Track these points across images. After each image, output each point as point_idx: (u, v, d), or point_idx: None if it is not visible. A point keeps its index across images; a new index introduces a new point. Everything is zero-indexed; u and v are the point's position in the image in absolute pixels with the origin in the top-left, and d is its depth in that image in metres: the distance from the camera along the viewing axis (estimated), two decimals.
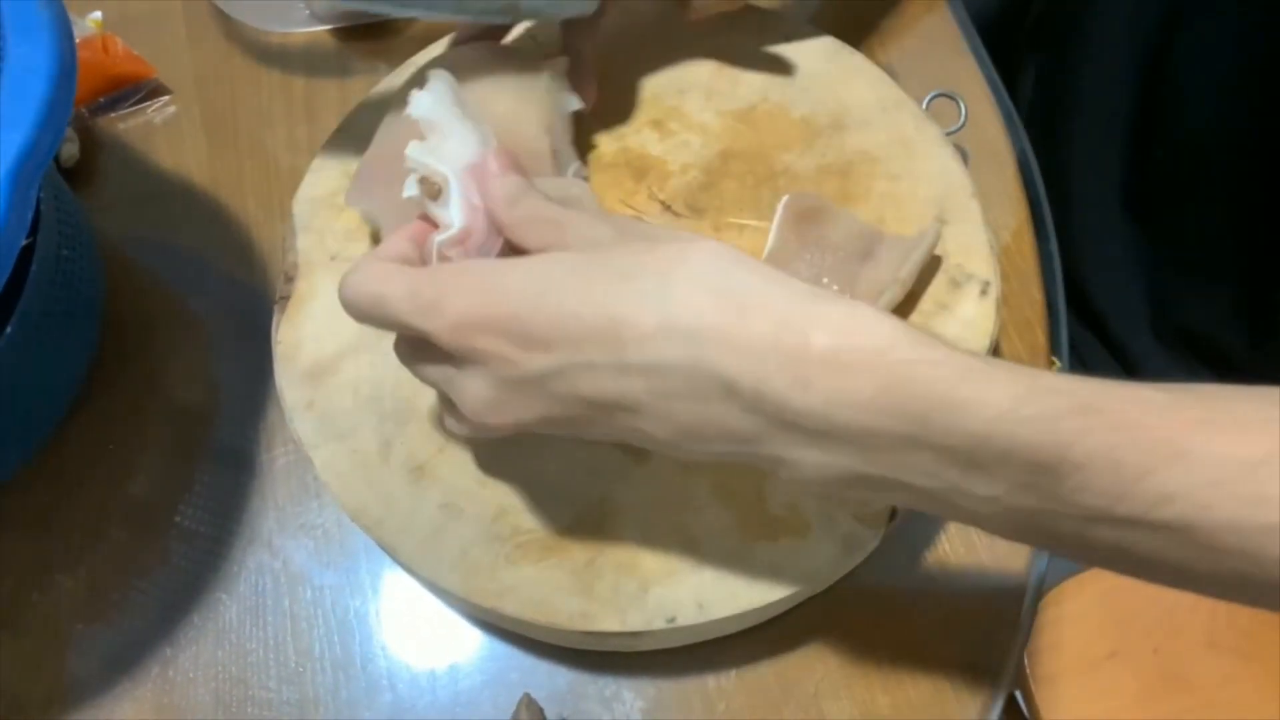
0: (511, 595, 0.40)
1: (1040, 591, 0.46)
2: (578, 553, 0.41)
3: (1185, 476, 0.26)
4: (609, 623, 0.39)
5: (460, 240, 0.37)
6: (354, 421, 0.43)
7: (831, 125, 0.49)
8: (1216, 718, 0.67)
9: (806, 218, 0.45)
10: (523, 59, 0.46)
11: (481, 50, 0.47)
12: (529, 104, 0.45)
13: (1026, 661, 0.67)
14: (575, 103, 0.47)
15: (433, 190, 0.39)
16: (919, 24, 0.56)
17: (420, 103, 0.40)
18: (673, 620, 0.39)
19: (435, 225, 0.38)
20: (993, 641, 0.45)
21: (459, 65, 0.44)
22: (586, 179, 0.48)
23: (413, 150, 0.38)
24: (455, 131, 0.39)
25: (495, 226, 0.37)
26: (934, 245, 0.44)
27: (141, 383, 0.52)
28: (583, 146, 0.49)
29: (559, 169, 0.45)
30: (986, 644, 0.44)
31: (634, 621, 0.39)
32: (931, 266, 0.45)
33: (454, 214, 0.38)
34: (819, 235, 0.44)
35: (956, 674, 0.44)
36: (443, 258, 0.37)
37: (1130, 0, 0.53)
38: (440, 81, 0.41)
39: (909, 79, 0.51)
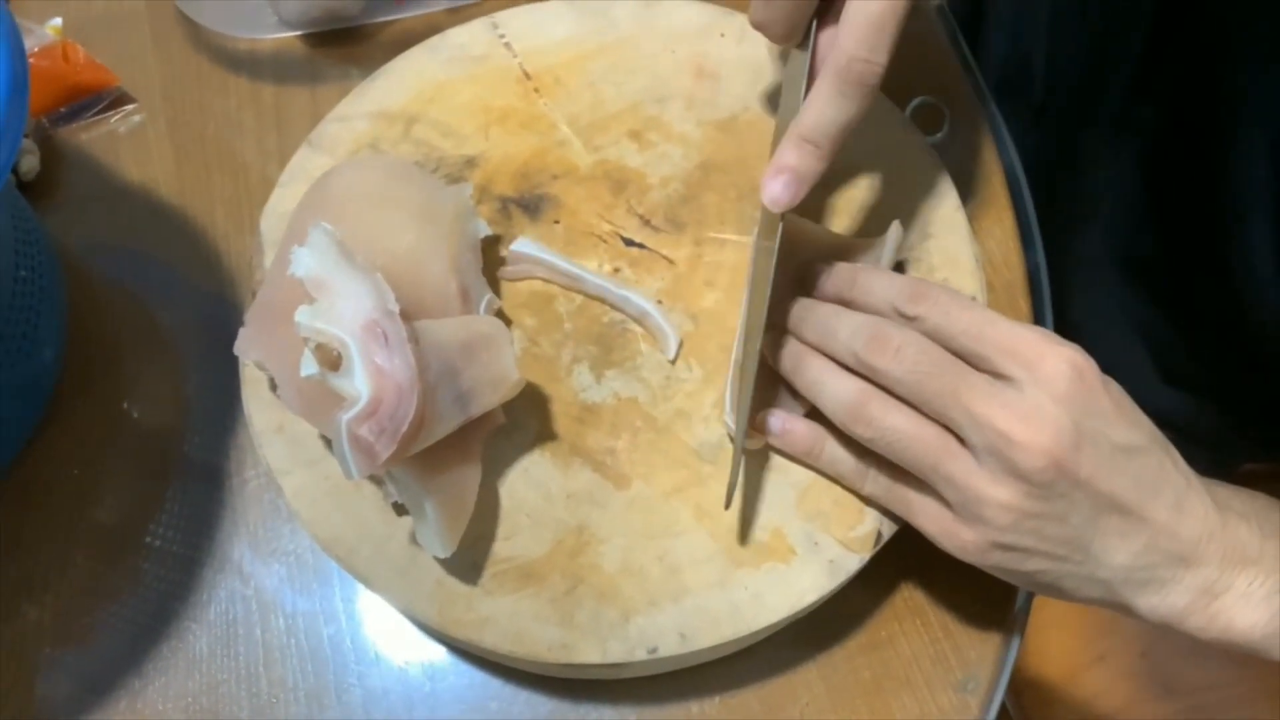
0: (489, 626, 0.39)
1: (1028, 609, 0.45)
2: (557, 581, 0.40)
3: None
4: (589, 654, 0.38)
5: (370, 413, 0.34)
6: (325, 447, 0.42)
7: None
8: None
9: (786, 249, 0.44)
10: (424, 182, 0.43)
11: (378, 172, 0.43)
12: (433, 238, 0.41)
13: (1013, 666, 0.67)
14: (484, 229, 0.44)
15: (330, 359, 0.36)
16: (903, 29, 0.55)
17: (302, 260, 0.37)
18: (654, 651, 0.38)
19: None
20: (981, 661, 0.44)
21: (352, 193, 0.42)
22: (500, 311, 0.44)
23: (302, 316, 0.35)
24: (345, 287, 0.36)
25: (409, 386, 0.35)
26: (898, 246, 0.43)
27: (108, 402, 0.50)
28: (561, 162, 0.48)
29: (469, 307, 0.42)
30: (974, 664, 0.44)
31: (615, 652, 0.38)
32: (897, 269, 0.44)
33: (358, 383, 0.35)
34: (800, 263, 0.43)
35: (944, 695, 0.43)
36: (355, 438, 0.34)
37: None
38: (321, 234, 0.37)
39: (892, 86, 0.49)
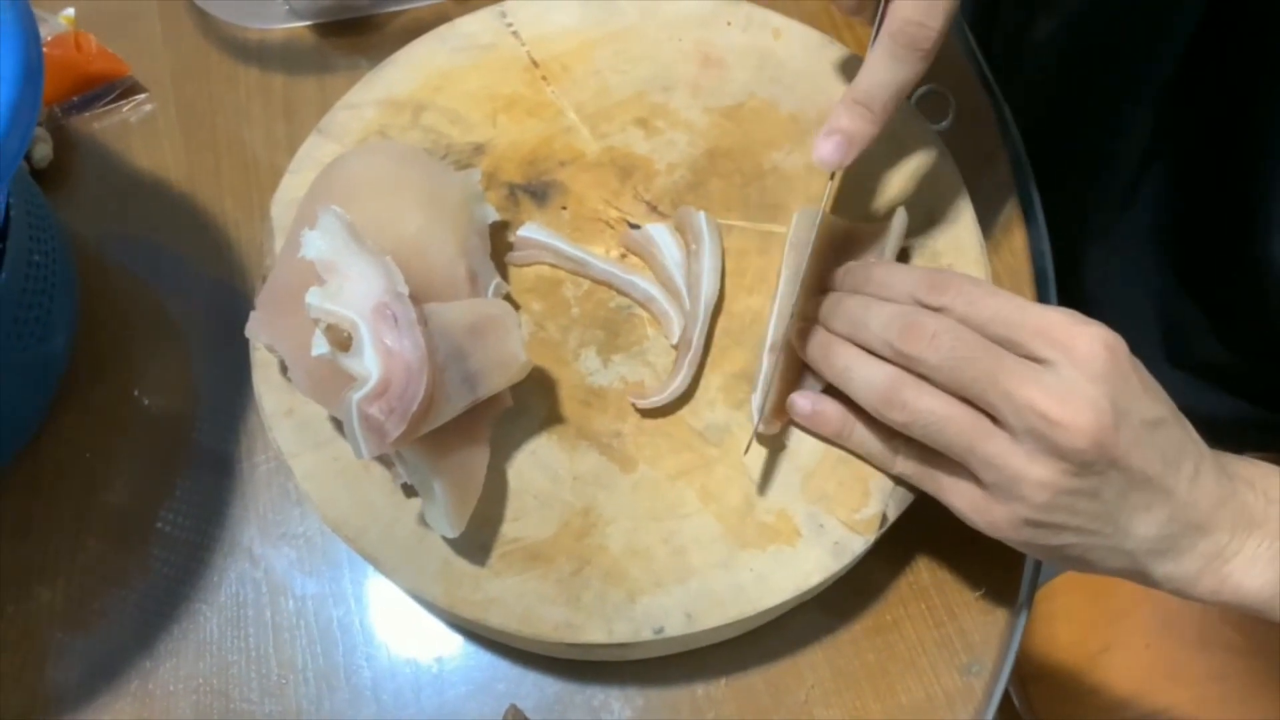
0: (496, 606, 0.39)
1: (1033, 594, 0.45)
2: (563, 562, 0.40)
3: None
4: (595, 634, 0.39)
5: (380, 393, 0.35)
6: (334, 429, 0.42)
7: (820, 122, 0.48)
8: (1210, 714, 0.67)
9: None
10: (432, 168, 0.44)
11: (387, 157, 0.44)
12: (441, 222, 0.41)
13: (1020, 658, 0.67)
14: (492, 214, 0.44)
15: (341, 339, 0.36)
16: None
17: (313, 243, 0.37)
18: (660, 631, 0.39)
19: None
20: (985, 645, 0.44)
21: (361, 178, 0.42)
22: (508, 295, 0.45)
23: (313, 297, 0.36)
24: (355, 269, 0.37)
25: (418, 366, 0.35)
26: (903, 232, 0.43)
27: (119, 388, 0.51)
28: (568, 148, 0.48)
29: (478, 291, 0.42)
30: (979, 647, 0.44)
31: (621, 632, 0.39)
32: (901, 255, 0.45)
33: (368, 363, 0.35)
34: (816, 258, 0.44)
35: (949, 678, 0.44)
36: (365, 417, 0.35)
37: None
38: (331, 217, 0.38)
39: None
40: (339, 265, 0.37)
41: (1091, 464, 0.34)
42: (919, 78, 0.39)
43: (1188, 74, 0.49)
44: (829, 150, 0.40)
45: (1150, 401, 0.35)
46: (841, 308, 0.40)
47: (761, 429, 0.41)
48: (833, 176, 0.41)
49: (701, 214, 0.45)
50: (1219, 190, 0.47)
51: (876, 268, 0.41)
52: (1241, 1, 0.45)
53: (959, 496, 0.38)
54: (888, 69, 0.39)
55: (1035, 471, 0.35)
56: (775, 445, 0.42)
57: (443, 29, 0.51)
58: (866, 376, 0.38)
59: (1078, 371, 0.34)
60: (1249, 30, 0.45)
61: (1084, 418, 0.34)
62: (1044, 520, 0.36)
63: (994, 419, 0.36)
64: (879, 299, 0.40)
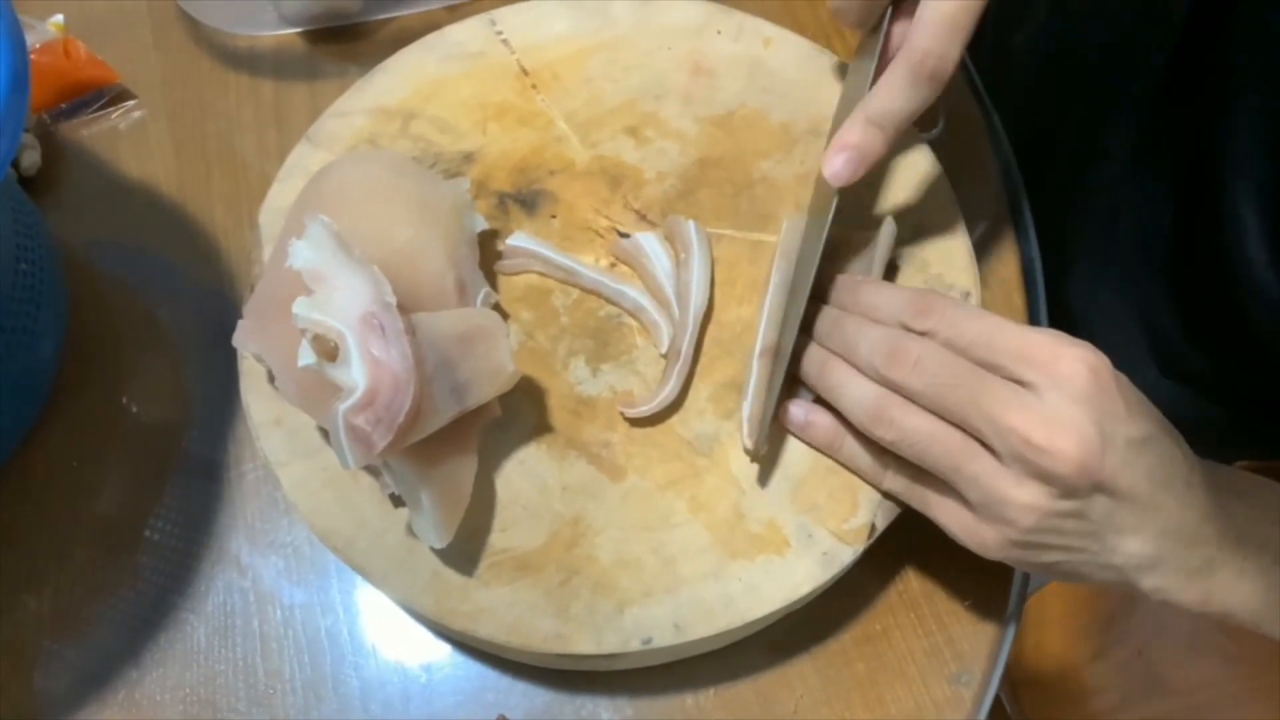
0: (485, 617, 0.39)
1: (1022, 603, 0.45)
2: (552, 572, 0.40)
3: None
4: (584, 645, 0.39)
5: (367, 403, 0.35)
6: (323, 439, 0.42)
7: (810, 131, 0.49)
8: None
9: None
10: (422, 176, 0.44)
11: (376, 166, 0.43)
12: (431, 231, 0.41)
13: (1011, 663, 0.67)
14: (482, 223, 0.44)
15: (328, 349, 0.36)
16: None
17: (300, 253, 0.37)
18: (649, 641, 0.39)
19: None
20: (975, 654, 0.44)
21: (350, 187, 0.42)
22: (497, 305, 0.45)
23: (300, 307, 0.36)
24: (343, 279, 0.36)
25: (405, 377, 0.35)
26: (892, 242, 0.43)
27: (108, 396, 0.50)
28: (558, 158, 0.48)
29: (466, 301, 0.42)
30: (969, 657, 0.44)
31: (610, 643, 0.39)
32: (890, 265, 0.45)
33: (355, 373, 0.35)
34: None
35: (938, 688, 0.44)
36: (351, 428, 0.35)
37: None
38: (319, 227, 0.37)
39: None
40: (326, 275, 0.37)
41: (1077, 488, 0.34)
42: (930, 103, 0.39)
43: (1169, 83, 0.49)
44: (840, 164, 0.40)
45: (1136, 420, 0.35)
46: (839, 329, 0.40)
47: (749, 444, 0.41)
48: (836, 194, 0.41)
49: (691, 223, 0.45)
50: (1199, 197, 0.47)
51: (864, 287, 0.41)
52: (1221, 13, 0.46)
53: (947, 515, 0.38)
54: (904, 95, 0.39)
55: (1022, 495, 0.35)
56: (765, 456, 0.42)
57: (432, 37, 0.51)
58: (856, 394, 0.38)
59: (1060, 394, 0.34)
60: (1226, 39, 0.46)
61: (1069, 443, 0.34)
62: (1032, 541, 0.36)
63: (983, 441, 0.36)
64: (868, 320, 0.40)
